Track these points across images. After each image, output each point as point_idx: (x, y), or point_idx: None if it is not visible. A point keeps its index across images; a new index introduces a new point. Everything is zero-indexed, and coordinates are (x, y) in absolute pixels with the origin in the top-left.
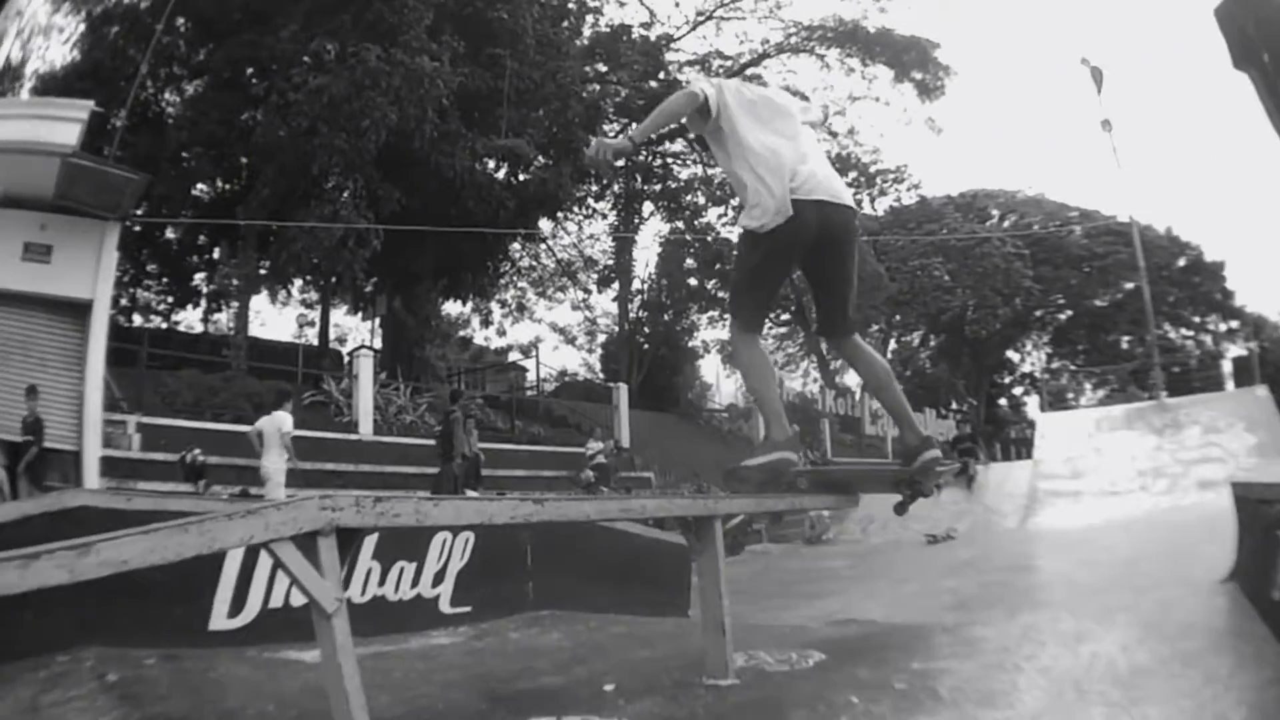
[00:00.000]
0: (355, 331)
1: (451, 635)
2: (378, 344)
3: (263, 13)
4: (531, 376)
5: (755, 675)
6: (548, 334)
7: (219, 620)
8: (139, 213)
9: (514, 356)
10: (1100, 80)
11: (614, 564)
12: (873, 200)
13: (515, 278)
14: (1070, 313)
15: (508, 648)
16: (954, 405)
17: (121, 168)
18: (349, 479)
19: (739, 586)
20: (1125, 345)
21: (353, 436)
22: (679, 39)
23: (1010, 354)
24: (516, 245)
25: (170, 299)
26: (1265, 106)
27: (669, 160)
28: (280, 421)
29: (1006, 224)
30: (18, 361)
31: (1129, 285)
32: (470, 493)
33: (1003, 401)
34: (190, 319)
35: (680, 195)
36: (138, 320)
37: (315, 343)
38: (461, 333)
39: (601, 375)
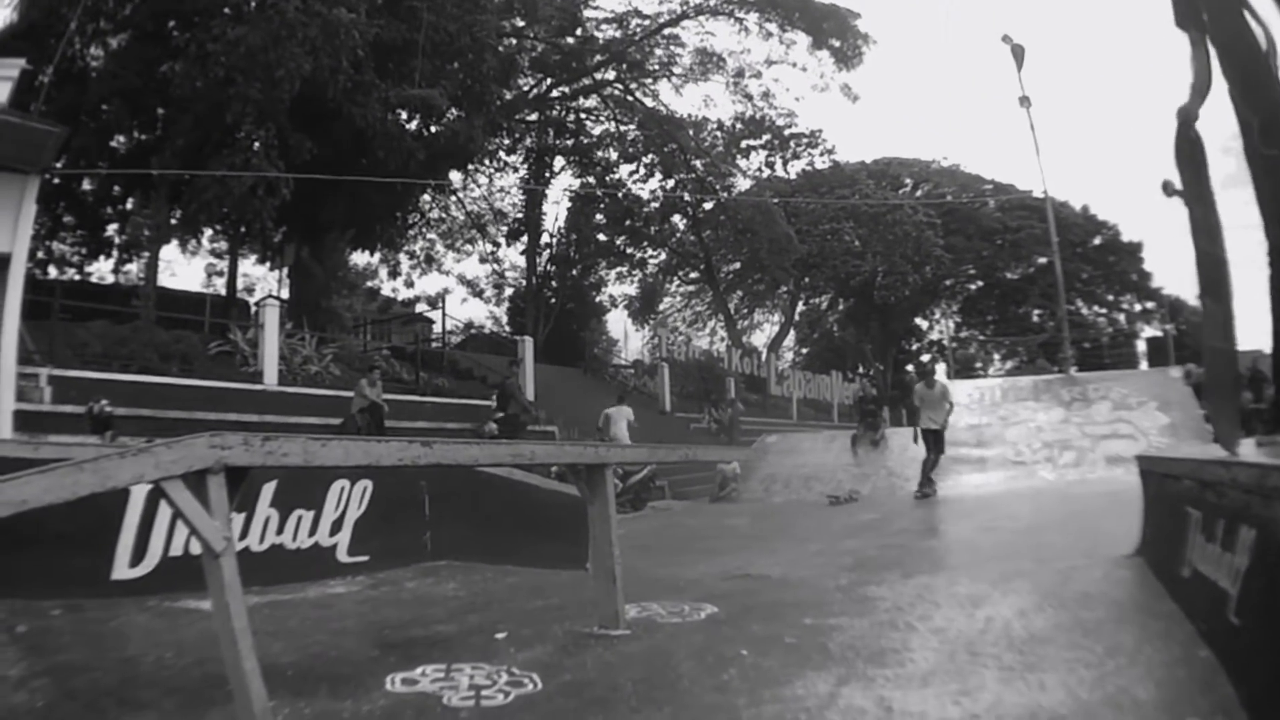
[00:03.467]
0: (263, 282)
1: (348, 584)
2: (285, 294)
3: None
4: (438, 329)
5: (646, 626)
6: (455, 286)
7: (121, 570)
8: (58, 165)
9: (421, 308)
10: (1021, 58)
11: (512, 516)
12: (785, 164)
13: (424, 229)
14: (981, 283)
15: (403, 596)
16: (860, 370)
17: (43, 121)
18: (253, 429)
19: (640, 541)
20: (1036, 319)
21: (257, 387)
22: None
23: (919, 321)
24: (426, 197)
25: (84, 250)
26: (1194, 67)
27: (582, 116)
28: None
29: (920, 193)
30: None
31: (1041, 260)
32: None
33: (910, 368)
34: (102, 270)
35: (592, 151)
36: (52, 273)
37: (223, 293)
38: (369, 284)
39: (509, 329)
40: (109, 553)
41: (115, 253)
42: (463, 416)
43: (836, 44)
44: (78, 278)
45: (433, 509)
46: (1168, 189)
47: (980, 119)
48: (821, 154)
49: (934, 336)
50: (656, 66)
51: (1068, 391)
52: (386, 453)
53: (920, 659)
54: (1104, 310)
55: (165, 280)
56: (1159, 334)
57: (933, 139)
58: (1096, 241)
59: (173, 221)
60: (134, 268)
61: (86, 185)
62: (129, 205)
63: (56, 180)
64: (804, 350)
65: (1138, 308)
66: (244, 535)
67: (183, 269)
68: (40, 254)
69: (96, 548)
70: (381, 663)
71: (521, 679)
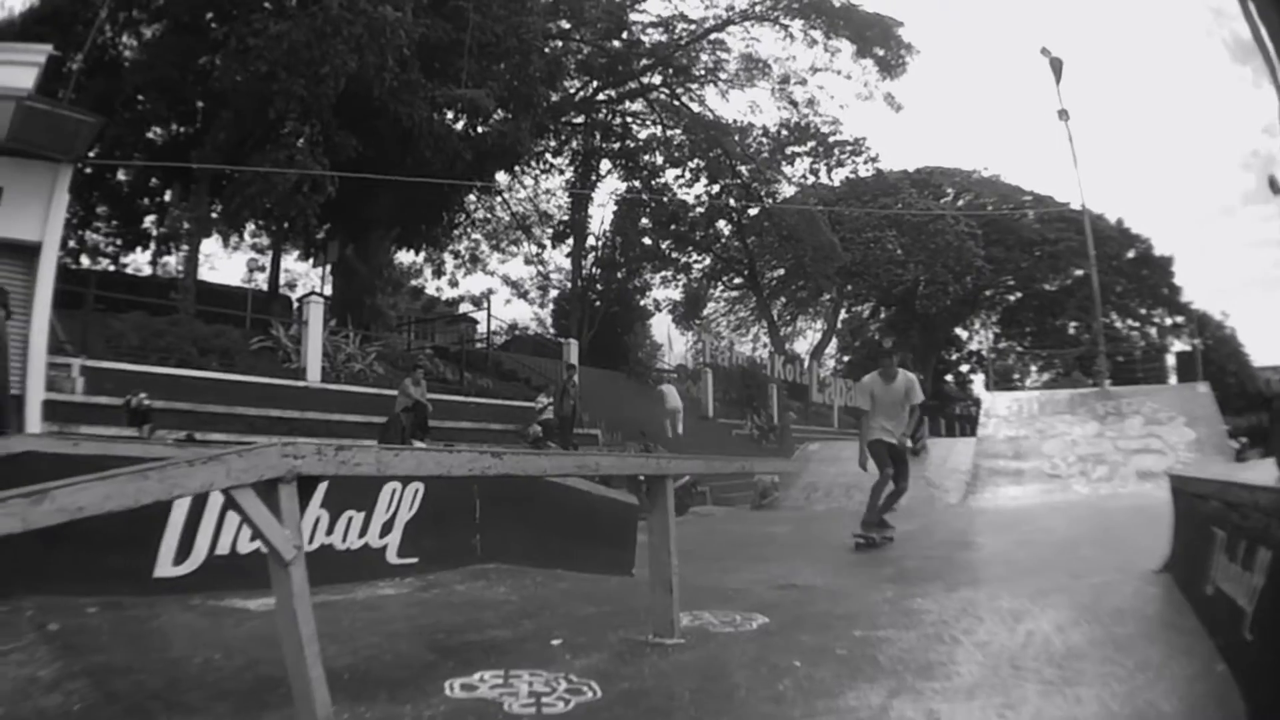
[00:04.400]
0: (305, 278)
1: (398, 586)
2: (328, 290)
3: None
4: (482, 329)
5: (700, 636)
6: (500, 287)
7: (164, 567)
8: (91, 155)
9: (465, 308)
10: (1059, 71)
11: (562, 520)
12: (829, 171)
13: (469, 229)
14: (1020, 294)
15: (454, 600)
16: None
17: (76, 110)
18: (295, 425)
19: (684, 547)
20: (1072, 330)
21: (300, 383)
22: (642, 2)
23: (959, 331)
24: (472, 197)
25: (119, 241)
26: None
27: (628, 119)
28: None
29: (961, 203)
30: None
31: (1078, 272)
32: (417, 443)
33: (949, 378)
34: (138, 262)
35: (638, 155)
36: (85, 262)
37: (265, 288)
38: (413, 282)
39: (553, 331)
40: (152, 549)
41: (153, 245)
42: (506, 418)
43: (880, 52)
44: (112, 268)
45: (483, 512)
46: (1275, 186)
47: (1018, 129)
48: (865, 162)
49: (973, 347)
50: (703, 71)
51: (1102, 405)
52: (458, 464)
53: (966, 672)
54: (1137, 324)
55: (205, 274)
56: (1187, 349)
57: (972, 148)
58: (1130, 255)
59: (213, 215)
60: (172, 260)
61: (121, 175)
62: (167, 197)
63: (89, 170)
64: (846, 358)
65: (1168, 322)
66: None
67: (223, 263)
68: (72, 243)
69: (138, 544)
70: (439, 668)
71: (580, 687)
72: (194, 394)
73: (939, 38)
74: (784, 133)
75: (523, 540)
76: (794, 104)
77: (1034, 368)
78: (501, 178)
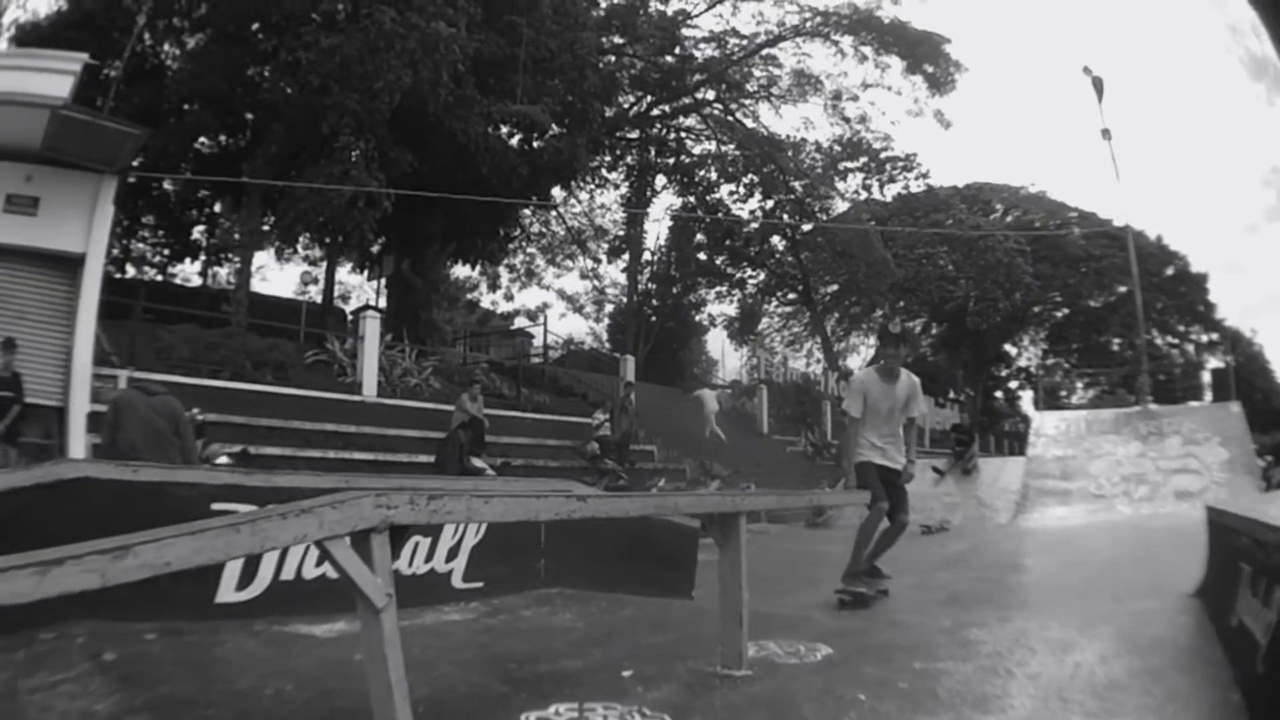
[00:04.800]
0: (359, 290)
1: (464, 612)
2: (382, 303)
3: None
4: (538, 343)
5: (766, 667)
6: (555, 301)
7: (227, 592)
8: (136, 164)
9: (520, 322)
10: (1101, 90)
11: (623, 544)
12: (882, 187)
13: (525, 243)
14: (1066, 311)
15: (521, 626)
16: (952, 394)
17: (119, 121)
18: (351, 440)
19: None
20: (1116, 347)
21: (356, 398)
22: (696, 16)
23: (1008, 347)
24: (527, 211)
25: (166, 252)
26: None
27: (682, 135)
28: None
29: (1009, 219)
30: None
31: (1121, 289)
32: (475, 460)
33: (999, 394)
34: (187, 272)
35: (693, 170)
36: (130, 272)
37: (319, 300)
38: (469, 296)
39: (608, 345)
40: (214, 574)
41: (202, 256)
42: (563, 434)
43: (930, 69)
44: (159, 279)
45: (548, 536)
46: None
47: (1061, 144)
48: (916, 177)
49: (1022, 363)
50: (755, 87)
51: (1144, 425)
52: (545, 508)
53: (1019, 705)
54: (1176, 341)
55: (257, 285)
56: (1221, 366)
57: (1017, 164)
58: (1169, 272)
59: (265, 227)
60: (223, 271)
61: (168, 185)
62: (217, 208)
63: (133, 180)
64: None
65: (1204, 339)
66: None
67: (275, 274)
68: (117, 252)
69: (200, 569)
70: (513, 700)
71: None
72: (248, 408)
73: (979, 53)
74: (836, 148)
75: (585, 564)
76: (846, 120)
77: (1080, 385)
78: (557, 192)
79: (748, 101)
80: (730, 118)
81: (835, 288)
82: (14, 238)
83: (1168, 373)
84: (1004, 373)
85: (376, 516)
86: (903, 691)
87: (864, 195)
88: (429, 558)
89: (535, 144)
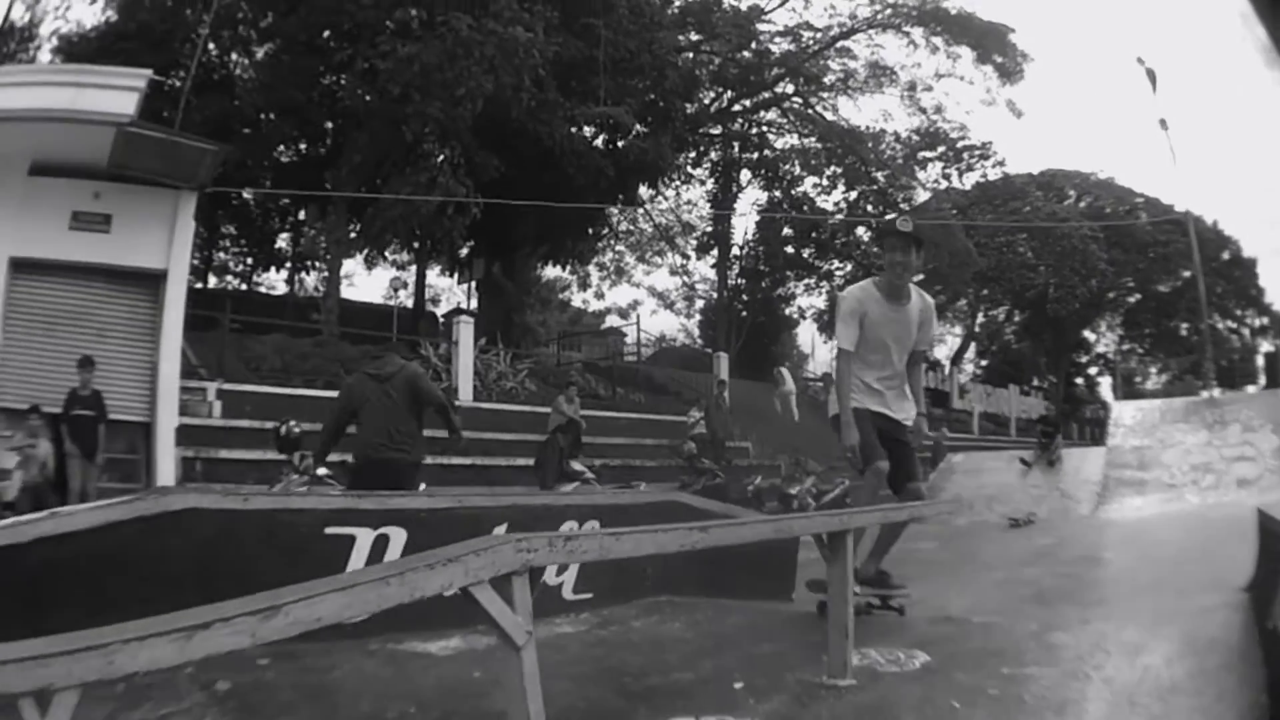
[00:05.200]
0: (449, 293)
1: (575, 623)
2: (473, 305)
3: None
4: (629, 341)
5: (870, 676)
6: (646, 298)
7: None
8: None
9: (612, 320)
10: (1155, 80)
11: (726, 549)
12: (960, 175)
13: (614, 241)
14: (1138, 296)
15: (633, 638)
16: (1035, 382)
17: (194, 138)
18: (448, 445)
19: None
20: (1184, 332)
21: (456, 404)
22: (770, 11)
23: (1087, 334)
24: (615, 210)
25: (250, 261)
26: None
27: (764, 129)
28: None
29: (1082, 205)
30: (66, 332)
31: (1185, 274)
32: (573, 464)
33: (1079, 380)
34: (271, 280)
35: (777, 165)
36: (213, 282)
37: (409, 305)
38: (560, 296)
39: (700, 341)
40: None
41: (288, 264)
42: (658, 433)
43: (999, 59)
44: (244, 288)
45: None
46: None
47: (1116, 128)
48: (993, 165)
49: (1100, 349)
50: (832, 80)
51: (1210, 413)
52: (670, 540)
53: (1094, 710)
54: (1234, 325)
55: (345, 291)
56: (1273, 350)
57: (1082, 150)
58: (1225, 256)
59: (352, 235)
60: (310, 279)
61: (247, 195)
62: (301, 216)
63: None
64: (983, 363)
65: (1256, 323)
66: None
67: (363, 279)
68: (198, 263)
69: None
70: (631, 715)
71: None
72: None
73: (1040, 41)
74: (915, 138)
75: (689, 571)
76: (923, 110)
77: (1153, 370)
78: (644, 191)
79: (826, 95)
80: (810, 111)
81: (920, 278)
82: (85, 255)
83: (1229, 358)
84: (1084, 359)
85: (517, 561)
86: (993, 698)
87: (944, 184)
88: (541, 570)
89: (620, 144)
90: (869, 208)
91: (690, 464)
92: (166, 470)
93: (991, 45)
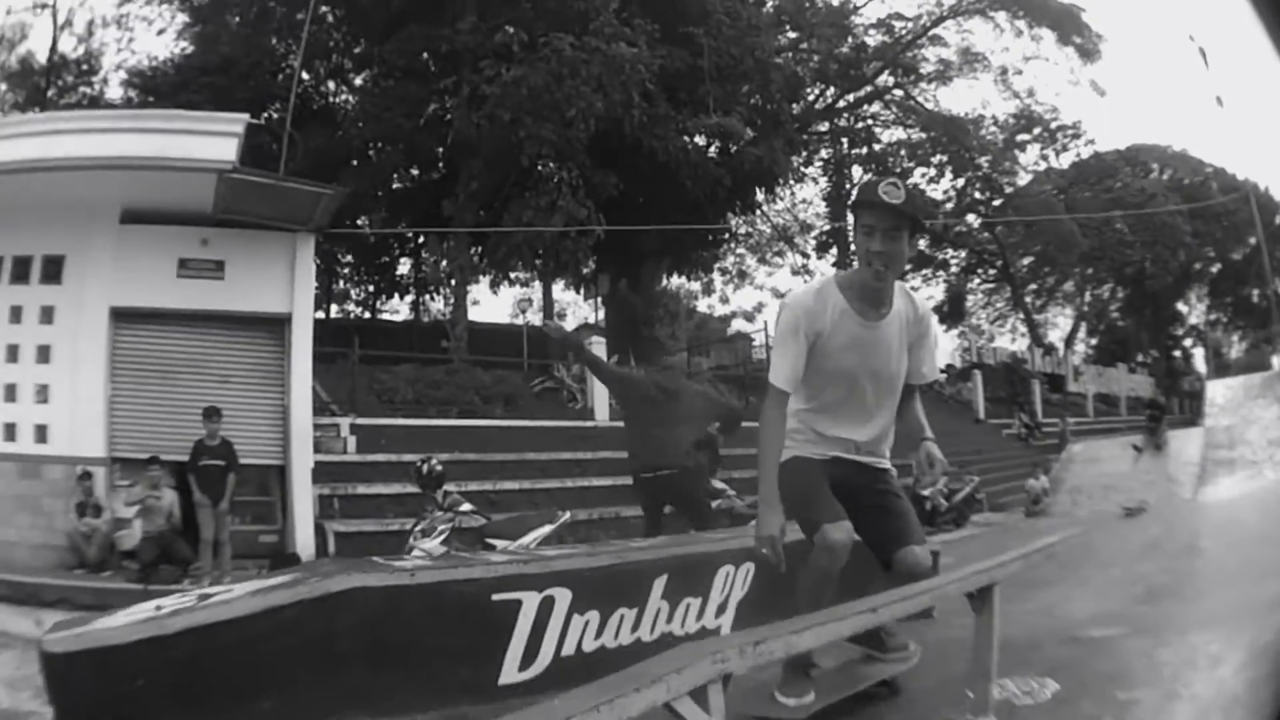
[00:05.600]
0: (574, 307)
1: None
2: (593, 320)
3: (431, 4)
4: (756, 345)
5: (1007, 711)
6: (769, 300)
7: (509, 674)
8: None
9: (737, 323)
10: (1206, 58)
11: (871, 578)
12: (1057, 155)
13: (734, 245)
14: (1219, 266)
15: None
16: (1140, 358)
17: (308, 183)
18: (587, 466)
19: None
20: (1255, 300)
21: (589, 423)
22: (862, 6)
23: (1181, 307)
24: (732, 214)
25: (370, 288)
26: None
27: (870, 123)
28: None
29: (1165, 177)
30: (185, 380)
31: (1251, 240)
32: (715, 482)
33: (1176, 353)
34: (393, 307)
35: (885, 158)
36: (334, 311)
37: (536, 323)
38: (686, 303)
39: None
40: (497, 658)
41: (411, 291)
42: None
43: (1078, 40)
44: (366, 316)
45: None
46: None
47: (1176, 98)
48: (1085, 143)
49: (1192, 321)
50: (929, 69)
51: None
52: (846, 627)
53: None
54: None
55: (470, 312)
56: None
57: (1154, 124)
58: (1278, 221)
59: (475, 259)
60: (436, 305)
61: (361, 222)
62: (421, 242)
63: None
64: (1093, 342)
65: None
66: (635, 628)
67: (487, 297)
68: (316, 292)
69: (483, 654)
70: None
71: None
72: (480, 443)
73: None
74: (1012, 120)
75: (839, 599)
76: (1016, 94)
77: (1234, 338)
78: (760, 195)
79: (925, 85)
80: (911, 101)
81: (1029, 260)
82: (199, 302)
83: None
84: (1179, 332)
85: (714, 671)
86: None
87: (1043, 165)
88: (700, 615)
89: (733, 151)
90: (975, 194)
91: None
92: (304, 511)
93: (1069, 27)
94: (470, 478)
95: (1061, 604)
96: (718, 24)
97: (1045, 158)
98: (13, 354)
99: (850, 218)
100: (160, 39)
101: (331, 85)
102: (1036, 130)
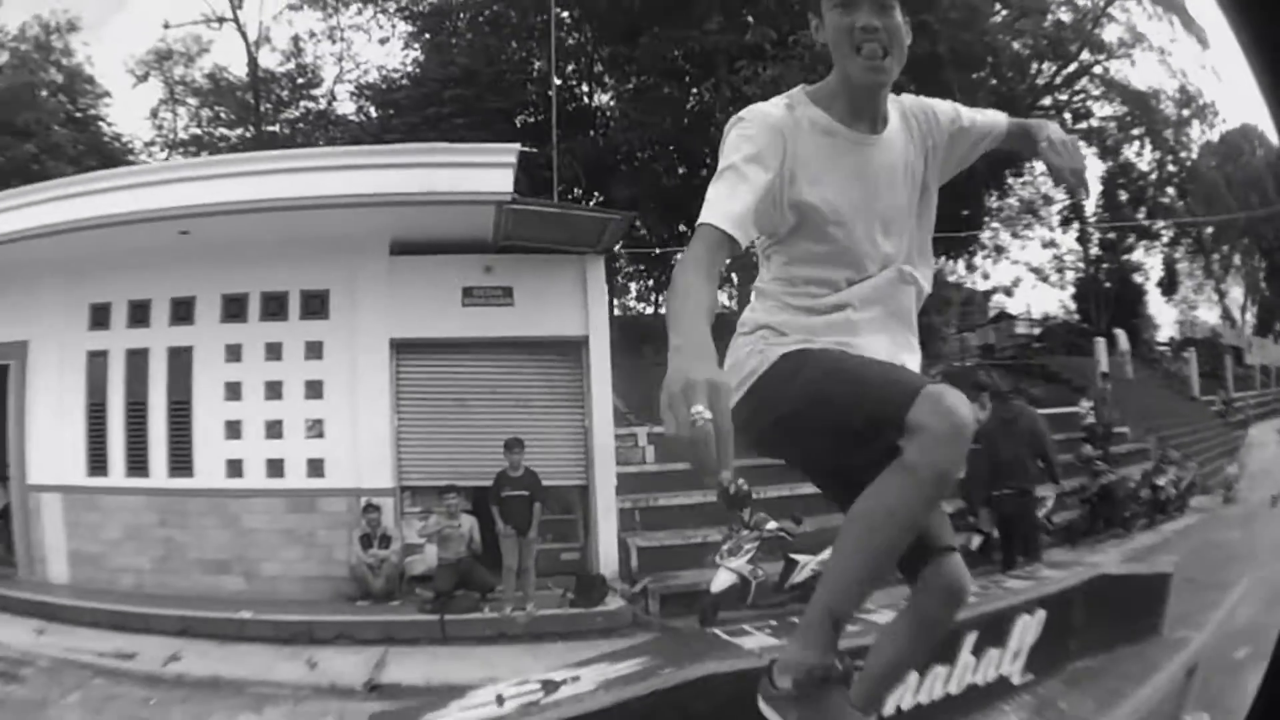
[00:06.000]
0: None
1: (1018, 708)
2: None
3: (673, 5)
4: (1020, 329)
5: None
6: (1025, 273)
7: None
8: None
9: (998, 300)
10: None
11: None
12: (1207, 131)
13: (988, 220)
14: None
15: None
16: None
17: (592, 210)
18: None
19: (1188, 572)
20: None
21: None
22: None
23: None
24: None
25: (650, 283)
26: None
27: (1084, 98)
28: None
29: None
30: (479, 408)
31: None
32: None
33: None
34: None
35: (1104, 133)
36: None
37: None
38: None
39: (1077, 316)
40: None
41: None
42: (1055, 427)
43: (1195, 27)
44: (649, 312)
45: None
46: None
47: None
48: (1221, 121)
49: None
50: (1116, 42)
51: None
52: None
53: None
54: None
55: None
56: None
57: None
58: None
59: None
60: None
61: (637, 224)
62: None
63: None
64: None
65: None
66: (947, 682)
67: None
68: None
69: None
70: None
71: None
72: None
73: None
74: (1177, 97)
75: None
76: (1174, 73)
77: None
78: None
79: (1115, 61)
80: (1109, 76)
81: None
82: (488, 329)
83: None
84: None
85: None
86: None
87: (1204, 139)
88: (998, 665)
89: None
90: (1170, 166)
91: (1088, 468)
92: (608, 529)
93: (1185, 15)
94: (766, 481)
95: (1242, 615)
96: (945, 9)
97: (1204, 133)
98: (274, 390)
99: (827, 4)
100: (384, 49)
101: (585, 88)
102: (1193, 106)
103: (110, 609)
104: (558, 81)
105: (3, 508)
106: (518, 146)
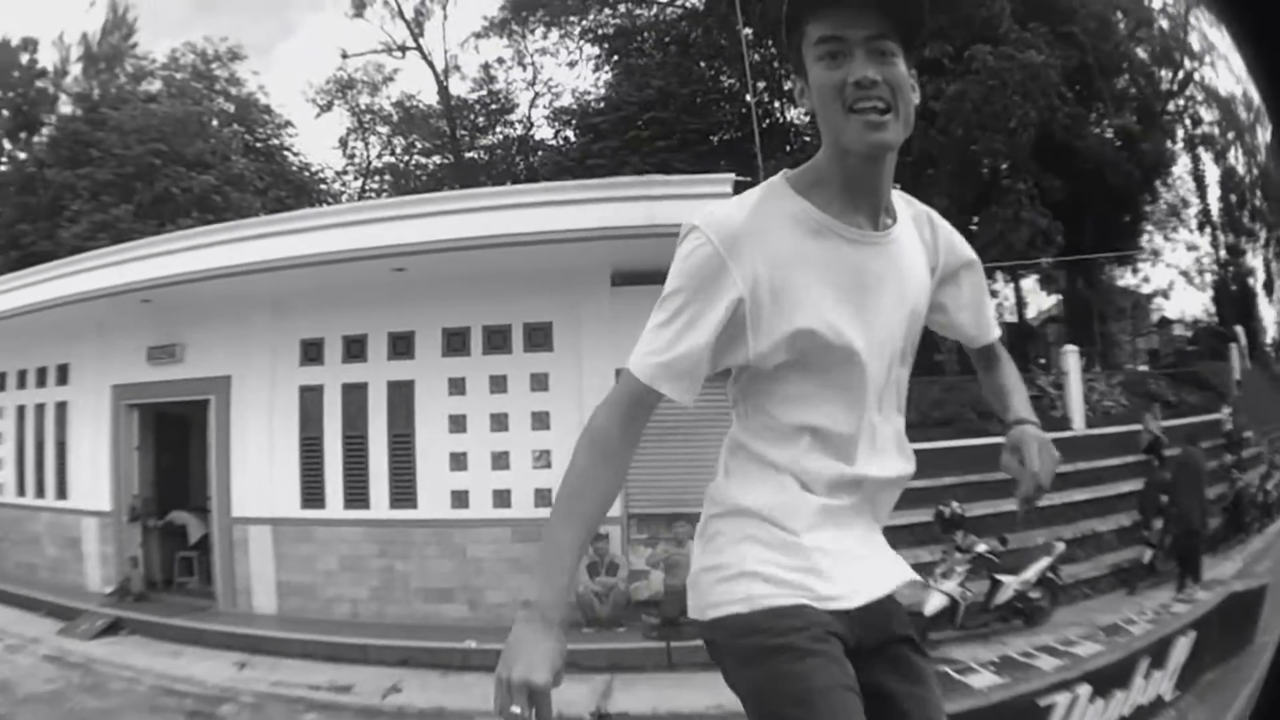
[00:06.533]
0: (1032, 294)
1: None
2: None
3: None
4: (1178, 332)
5: None
6: (1176, 277)
7: None
8: None
9: (1157, 302)
10: None
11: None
12: None
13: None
14: None
15: None
16: None
17: None
18: (1069, 479)
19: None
20: None
21: (1068, 433)
22: None
23: None
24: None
25: None
26: None
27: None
28: None
29: None
30: (708, 436)
31: None
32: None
33: None
34: None
35: (1224, 131)
36: None
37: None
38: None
39: (1216, 319)
40: None
41: None
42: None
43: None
44: None
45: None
46: None
47: None
48: None
49: None
50: (1200, 49)
51: None
52: None
53: None
54: None
55: None
56: None
57: None
58: None
59: None
60: None
61: None
62: None
63: None
64: None
65: None
66: (1123, 704)
67: None
68: None
69: None
70: None
71: None
72: (971, 464)
73: None
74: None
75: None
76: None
77: None
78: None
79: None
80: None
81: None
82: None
83: None
84: None
85: None
86: None
87: None
88: (1159, 685)
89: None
90: None
91: (1226, 474)
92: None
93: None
94: (971, 499)
95: None
96: (1084, 18)
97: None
98: (500, 422)
99: (810, 57)
100: (573, 72)
101: (776, 104)
102: (1254, 110)
103: (325, 639)
104: (751, 99)
105: (199, 539)
106: (733, 176)
